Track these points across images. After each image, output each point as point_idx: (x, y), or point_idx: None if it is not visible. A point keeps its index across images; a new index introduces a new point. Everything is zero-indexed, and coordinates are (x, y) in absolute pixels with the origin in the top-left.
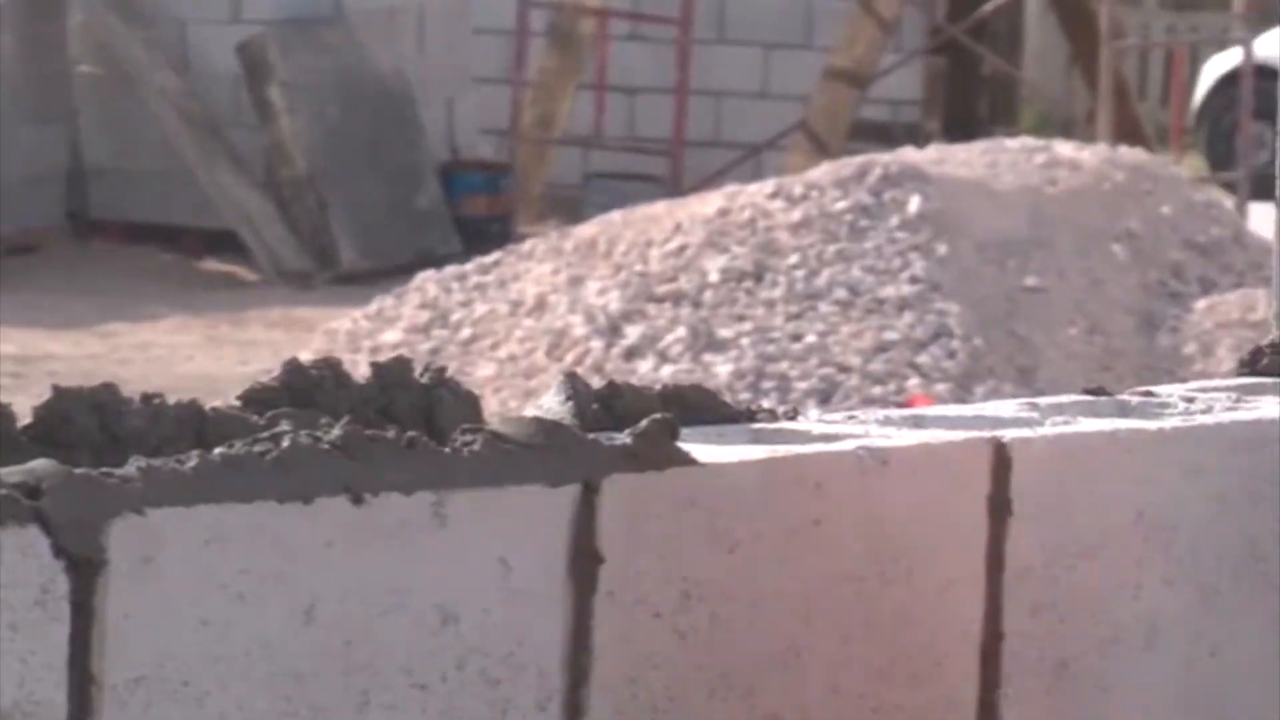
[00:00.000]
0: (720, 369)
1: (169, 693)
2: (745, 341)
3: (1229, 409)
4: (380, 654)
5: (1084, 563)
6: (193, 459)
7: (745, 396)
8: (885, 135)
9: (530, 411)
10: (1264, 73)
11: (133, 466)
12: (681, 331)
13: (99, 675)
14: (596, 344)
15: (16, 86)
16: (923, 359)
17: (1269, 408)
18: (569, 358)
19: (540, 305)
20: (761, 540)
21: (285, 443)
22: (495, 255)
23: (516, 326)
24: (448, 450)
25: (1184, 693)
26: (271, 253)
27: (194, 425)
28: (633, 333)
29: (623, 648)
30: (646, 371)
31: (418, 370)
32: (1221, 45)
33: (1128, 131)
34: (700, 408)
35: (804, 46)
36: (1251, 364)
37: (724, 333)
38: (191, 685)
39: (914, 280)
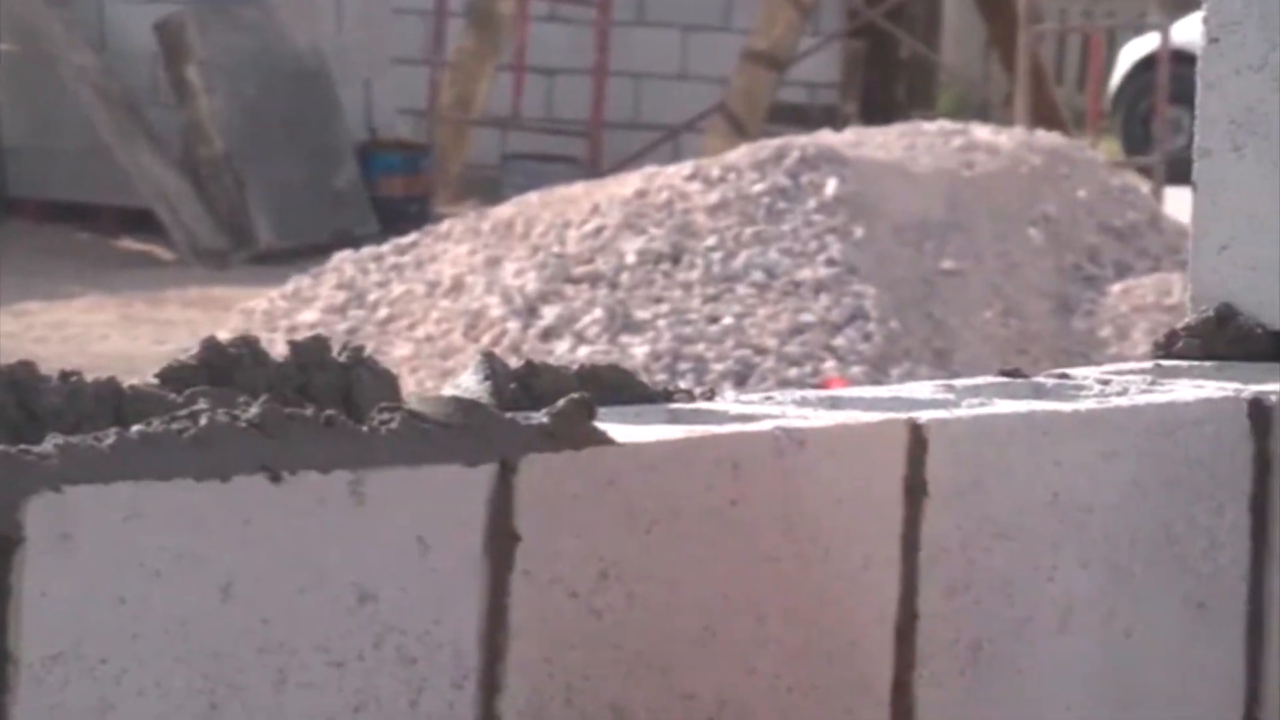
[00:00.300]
0: (637, 350)
1: (86, 670)
2: (662, 323)
3: (1144, 392)
4: (297, 632)
5: (999, 544)
6: (110, 436)
7: (661, 378)
8: (803, 118)
9: (448, 391)
10: (1180, 57)
11: (50, 444)
12: (598, 313)
13: (15, 653)
14: (513, 325)
15: None
16: (839, 341)
17: (1183, 391)
18: (486, 338)
19: (457, 286)
20: (679, 520)
21: (203, 421)
22: (412, 236)
23: (433, 307)
24: (365, 429)
25: (1098, 673)
26: (188, 232)
27: (112, 403)
28: (549, 314)
29: (539, 627)
30: (563, 352)
31: (335, 349)
32: (1138, 30)
33: (1044, 115)
34: (617, 388)
35: (723, 29)
36: (1166, 347)
37: (641, 314)
38: (109, 663)
39: (830, 263)
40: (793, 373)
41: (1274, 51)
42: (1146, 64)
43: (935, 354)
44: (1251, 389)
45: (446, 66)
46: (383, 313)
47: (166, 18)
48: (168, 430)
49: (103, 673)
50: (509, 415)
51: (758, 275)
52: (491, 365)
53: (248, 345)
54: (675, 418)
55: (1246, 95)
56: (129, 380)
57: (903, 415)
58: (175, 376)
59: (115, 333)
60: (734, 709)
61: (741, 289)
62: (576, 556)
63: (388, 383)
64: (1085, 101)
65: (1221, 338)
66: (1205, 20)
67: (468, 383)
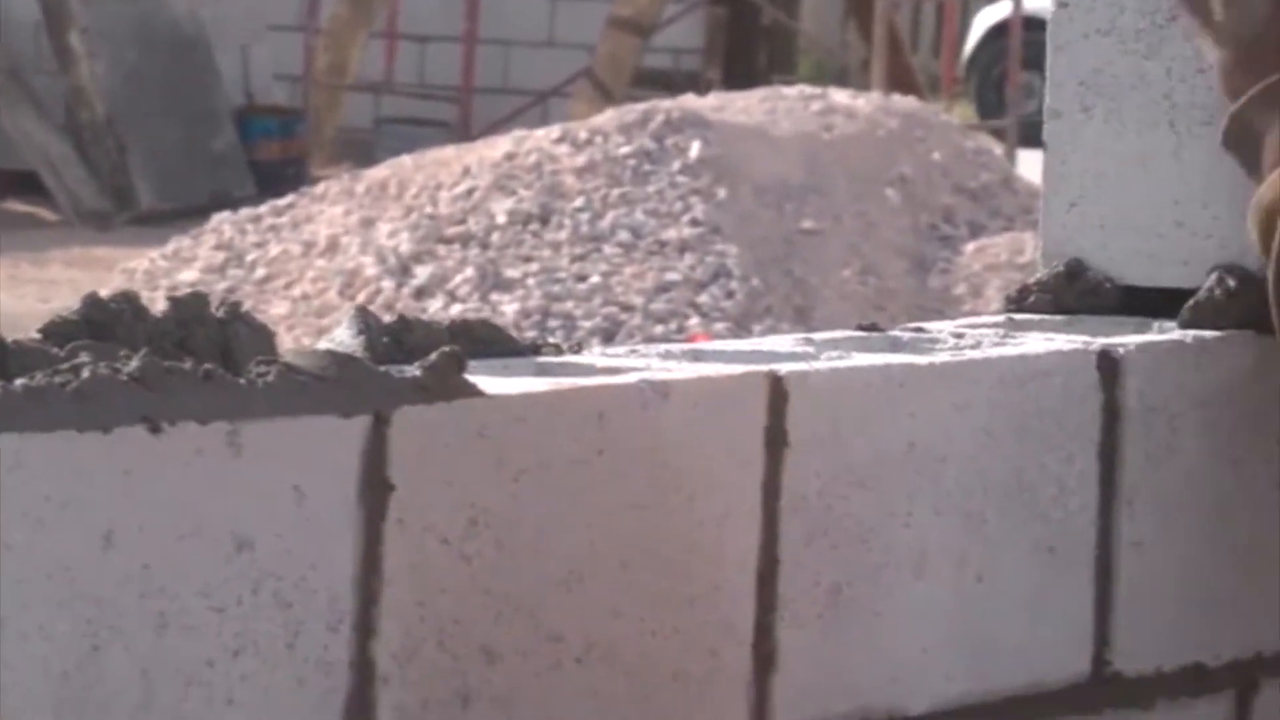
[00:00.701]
0: (507, 308)
1: None
2: (531, 282)
3: (996, 345)
4: (178, 578)
5: (857, 492)
6: None
7: (531, 334)
8: (667, 83)
9: (323, 345)
10: (1032, 24)
11: None
12: (470, 272)
13: None
14: (387, 284)
15: None
16: (703, 299)
17: (1034, 344)
18: (360, 297)
19: (332, 246)
20: (547, 470)
21: (85, 374)
22: (289, 198)
23: (309, 267)
24: (242, 382)
25: (951, 616)
26: (71, 194)
27: None
28: (422, 273)
29: (411, 572)
30: (436, 310)
31: (213, 306)
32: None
33: (901, 80)
34: (487, 342)
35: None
36: (1018, 302)
37: (511, 273)
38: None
39: (694, 223)
40: (658, 329)
41: (1121, 15)
42: (999, 30)
43: (796, 311)
44: (1100, 341)
45: (321, 33)
46: (260, 272)
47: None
48: (50, 383)
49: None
50: (382, 368)
51: (624, 235)
52: (365, 320)
53: (128, 301)
54: (543, 370)
55: (1094, 58)
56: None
57: (763, 368)
58: (58, 332)
59: (3, 292)
60: (600, 651)
61: (608, 249)
62: (448, 505)
63: (264, 337)
64: (940, 67)
65: (1071, 292)
66: None
67: (342, 337)
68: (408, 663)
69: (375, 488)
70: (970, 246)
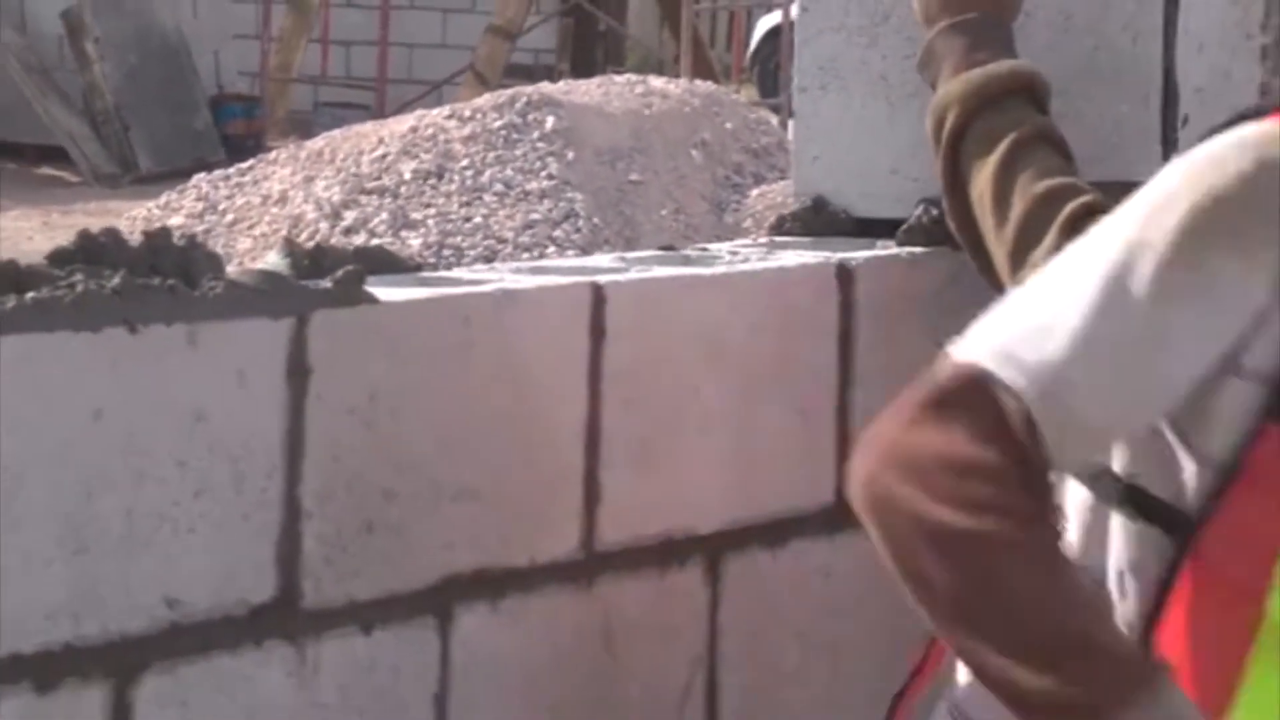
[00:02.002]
0: (413, 242)
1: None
2: (431, 222)
3: (761, 260)
4: (153, 443)
5: (658, 371)
6: (10, 301)
7: (432, 261)
8: (529, 74)
9: (258, 266)
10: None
11: None
12: (384, 215)
13: None
14: (324, 225)
15: None
16: (557, 234)
17: (790, 258)
18: (303, 235)
19: (282, 198)
20: (427, 357)
21: (79, 289)
22: (250, 162)
23: (266, 213)
24: (197, 293)
25: (729, 461)
26: (89, 162)
27: (12, 277)
28: (349, 216)
29: (327, 436)
30: (360, 244)
31: (176, 238)
32: (768, 7)
33: (702, 70)
34: (383, 263)
35: (471, 11)
36: (777, 229)
37: (415, 216)
38: (12, 466)
39: (550, 177)
40: (525, 257)
41: (848, 16)
42: (775, 32)
43: (626, 241)
44: (838, 256)
45: (273, 40)
46: (230, 218)
47: (69, 7)
48: (52, 296)
49: (3, 471)
50: (302, 283)
51: (498, 187)
52: (290, 247)
53: (112, 235)
54: (424, 283)
55: (829, 49)
56: None
57: (588, 279)
58: (59, 258)
59: (38, 235)
60: (469, 493)
61: (487, 197)
62: (353, 384)
63: (215, 261)
64: (731, 59)
65: (817, 222)
66: None
67: (273, 260)
68: (325, 502)
69: (298, 372)
70: (754, 192)
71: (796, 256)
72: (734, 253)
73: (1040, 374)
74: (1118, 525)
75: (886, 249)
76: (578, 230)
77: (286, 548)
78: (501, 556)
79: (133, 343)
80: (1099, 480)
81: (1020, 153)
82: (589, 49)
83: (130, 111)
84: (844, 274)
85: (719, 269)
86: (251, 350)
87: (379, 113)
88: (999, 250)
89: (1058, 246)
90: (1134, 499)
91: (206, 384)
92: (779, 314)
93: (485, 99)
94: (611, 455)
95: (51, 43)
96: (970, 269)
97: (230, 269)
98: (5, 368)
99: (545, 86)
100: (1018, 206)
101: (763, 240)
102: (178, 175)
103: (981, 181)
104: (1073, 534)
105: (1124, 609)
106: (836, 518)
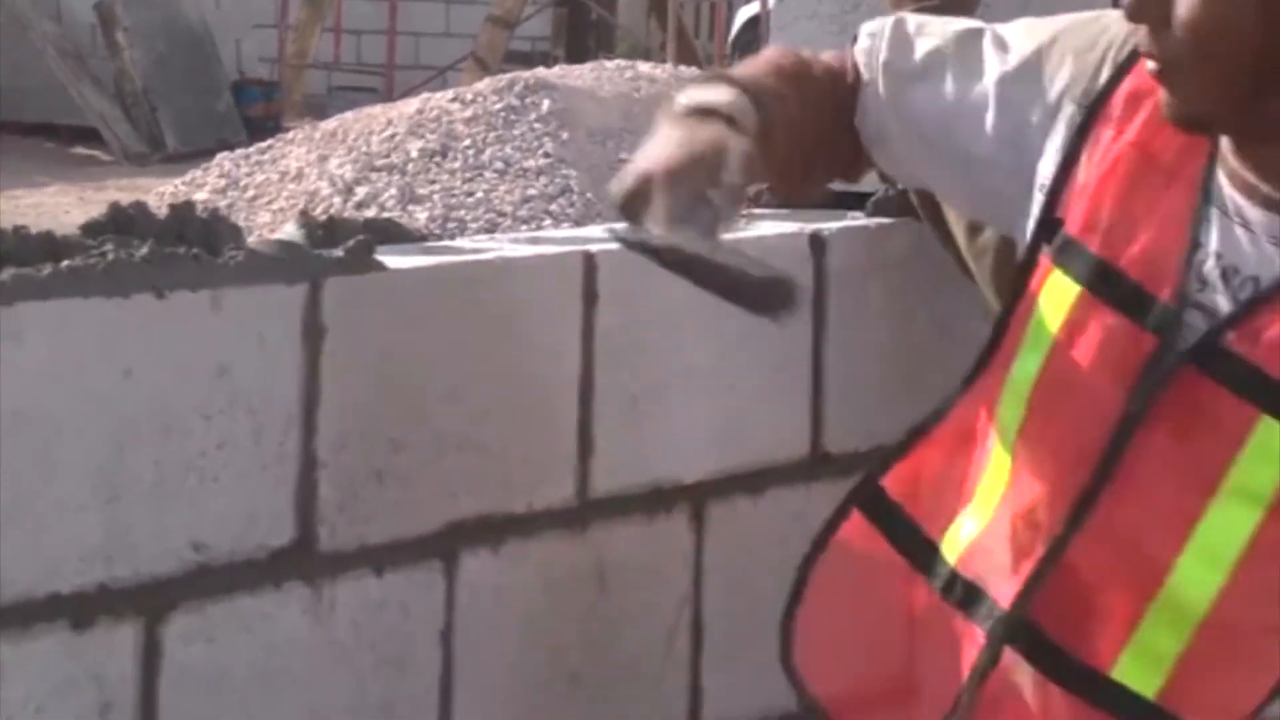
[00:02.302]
0: (420, 216)
1: (29, 422)
2: (436, 197)
3: (740, 230)
4: (179, 400)
5: (648, 331)
6: (47, 269)
7: (437, 233)
8: (527, 60)
9: (276, 236)
10: None
11: (6, 274)
12: (393, 190)
13: None
14: (337, 200)
15: None
16: (553, 207)
17: (767, 227)
18: (318, 209)
19: (299, 175)
20: (431, 319)
21: (110, 257)
22: (269, 142)
23: (284, 189)
24: (220, 261)
25: (713, 414)
26: (120, 142)
27: (49, 247)
28: (361, 192)
29: (340, 391)
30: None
31: (199, 210)
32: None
33: (686, 56)
34: (392, 234)
35: (472, 2)
36: (756, 202)
37: (421, 191)
38: (47, 421)
39: (546, 156)
40: (523, 228)
41: (820, 5)
42: (754, 21)
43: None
44: (812, 226)
45: (290, 29)
46: (250, 194)
47: (104, 7)
48: (86, 264)
49: (42, 426)
50: (317, 252)
51: (499, 164)
52: (306, 219)
53: (140, 208)
54: (429, 252)
55: (803, 35)
56: None
57: (581, 248)
58: (92, 229)
59: (74, 210)
60: (472, 445)
61: (488, 174)
62: (364, 344)
63: (235, 231)
64: (714, 47)
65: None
66: None
67: (290, 231)
68: (338, 453)
69: (313, 333)
70: None
71: (774, 226)
72: None
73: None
74: None
75: (856, 220)
76: (572, 205)
77: (303, 495)
78: (502, 504)
79: (160, 307)
80: None
81: None
82: (582, 37)
83: (158, 95)
84: (817, 242)
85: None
86: (270, 313)
87: (387, 96)
88: (955, 219)
89: None
90: None
91: (229, 345)
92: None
93: (486, 83)
94: (603, 410)
95: (85, 31)
96: (930, 238)
97: (250, 239)
98: (43, 331)
99: (541, 71)
100: None
101: (742, 212)
102: (202, 154)
103: None
104: None
105: None
106: (812, 468)
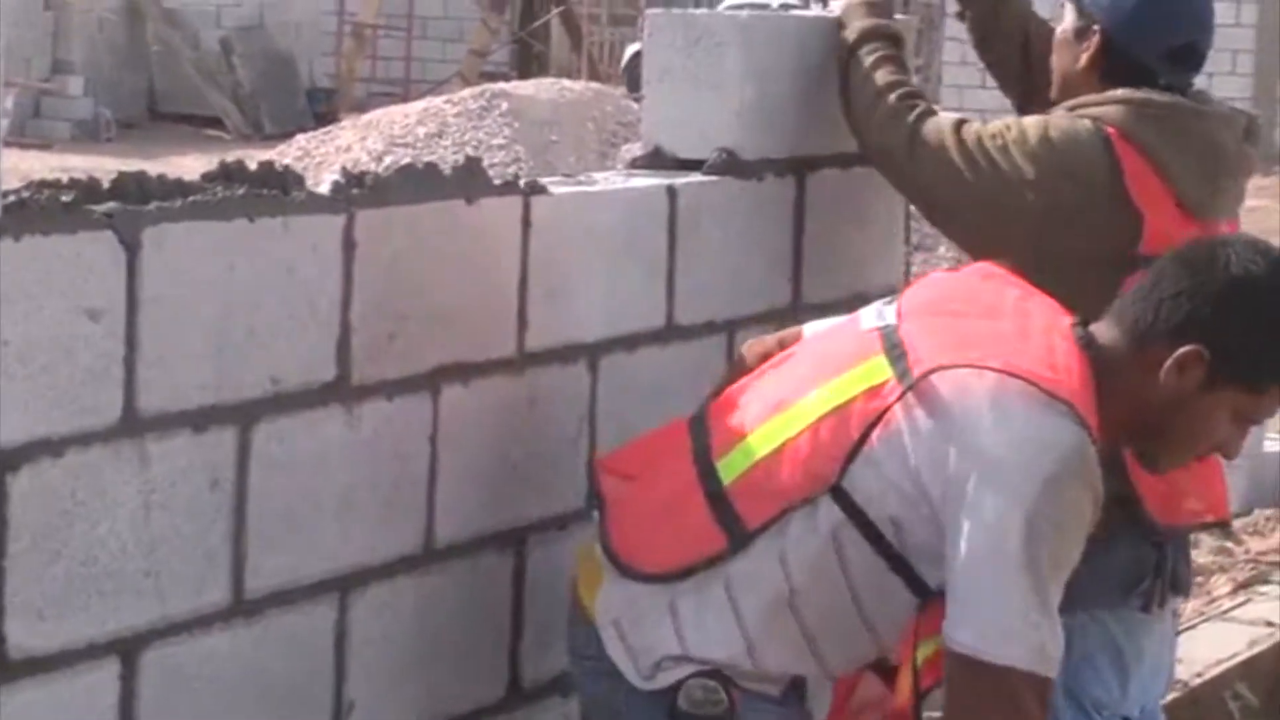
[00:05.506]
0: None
1: (164, 309)
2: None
3: (623, 183)
4: (263, 287)
5: (563, 247)
6: (178, 202)
7: None
8: (493, 78)
9: (325, 184)
10: None
11: (153, 205)
12: (407, 159)
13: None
14: (370, 165)
15: (117, 44)
16: (507, 172)
17: (639, 182)
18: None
19: (347, 148)
20: (426, 236)
21: (219, 195)
22: (328, 128)
23: (338, 159)
24: (289, 198)
25: (603, 302)
26: (235, 127)
27: (180, 188)
28: (386, 160)
29: (366, 282)
30: None
31: (278, 167)
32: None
33: (595, 76)
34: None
35: (459, 40)
36: (631, 165)
37: (424, 159)
38: (175, 304)
39: (504, 139)
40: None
41: (675, 41)
42: (638, 54)
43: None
44: (667, 181)
45: (342, 56)
46: (316, 160)
47: (224, 35)
48: (204, 200)
49: (174, 304)
50: (353, 192)
51: (474, 143)
52: (345, 173)
53: (238, 164)
54: (422, 197)
55: (664, 60)
56: None
57: (520, 195)
58: (209, 177)
59: (202, 168)
60: (450, 317)
61: (468, 149)
62: (381, 252)
63: (300, 180)
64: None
65: (656, 161)
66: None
67: (333, 177)
68: (364, 322)
69: (349, 245)
70: (624, 147)
71: (644, 181)
72: (605, 178)
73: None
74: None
75: (697, 178)
76: (520, 169)
77: (341, 349)
78: (469, 355)
79: (251, 228)
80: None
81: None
82: (528, 63)
83: (259, 96)
84: (671, 192)
85: (595, 188)
86: (321, 232)
87: (404, 99)
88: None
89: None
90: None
91: (295, 253)
92: (633, 213)
93: (466, 92)
94: (533, 297)
95: (213, 54)
96: (741, 190)
97: (309, 186)
98: (175, 242)
99: (501, 85)
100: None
101: (624, 172)
102: (286, 135)
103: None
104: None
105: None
106: (667, 334)
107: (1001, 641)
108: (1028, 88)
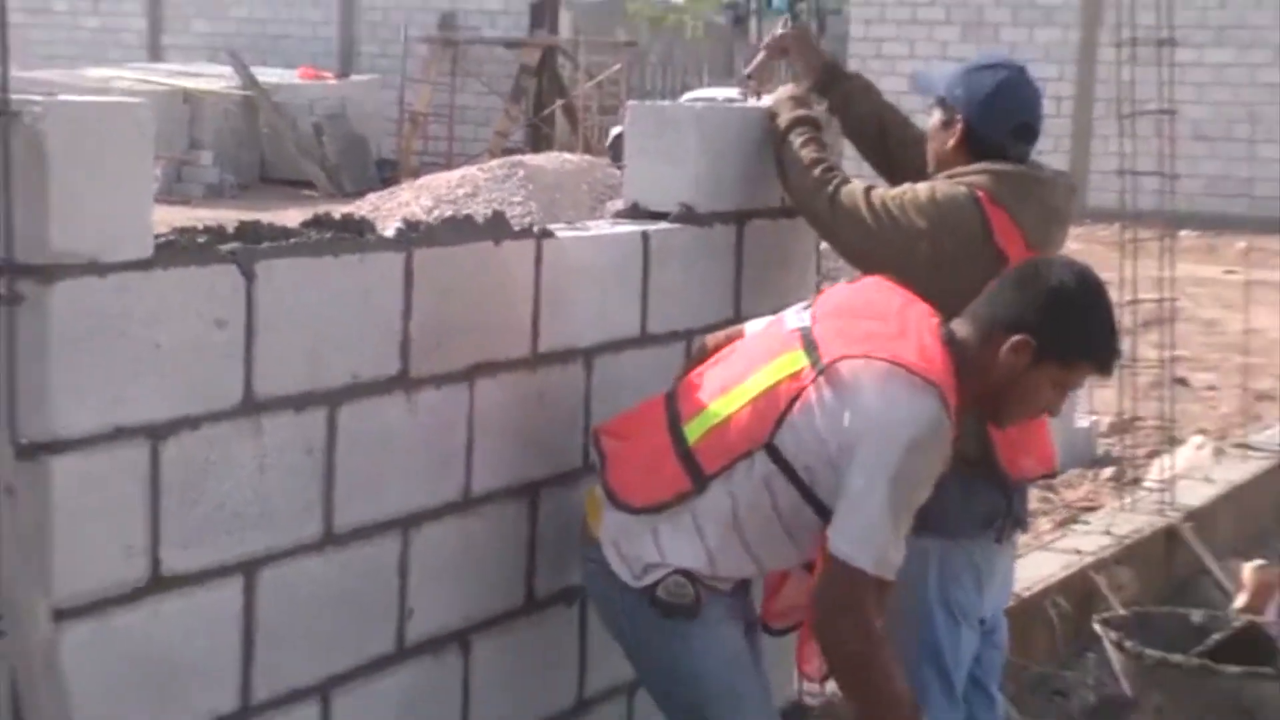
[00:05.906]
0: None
1: (272, 327)
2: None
3: (610, 229)
4: (344, 308)
5: (566, 274)
6: (282, 242)
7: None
8: (512, 152)
9: (390, 230)
10: None
11: (264, 245)
12: (449, 213)
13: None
14: (423, 216)
15: (238, 127)
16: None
17: (623, 229)
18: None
19: (406, 205)
20: (468, 269)
21: (312, 238)
22: (391, 189)
23: (398, 211)
24: (364, 240)
25: (595, 314)
26: (322, 188)
27: (283, 232)
28: (435, 214)
29: (422, 302)
30: None
31: (355, 218)
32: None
33: (589, 151)
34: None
35: (486, 125)
36: (616, 215)
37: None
38: (280, 321)
39: (521, 198)
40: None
41: (649, 126)
42: (620, 136)
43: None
44: (643, 228)
45: (402, 136)
46: (382, 213)
47: (316, 121)
48: (300, 240)
49: (280, 321)
50: (412, 234)
51: (499, 200)
52: (405, 222)
53: (327, 215)
54: (463, 239)
55: (642, 139)
56: None
57: (533, 238)
58: (305, 224)
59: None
60: (484, 325)
61: (495, 205)
62: (436, 280)
63: (372, 226)
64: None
65: (634, 214)
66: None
67: (397, 228)
68: (421, 333)
69: (408, 275)
70: (609, 204)
71: (625, 228)
72: (599, 227)
73: (881, 560)
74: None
75: (665, 226)
76: (533, 221)
77: (404, 350)
78: (496, 356)
79: (336, 262)
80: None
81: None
82: (539, 142)
83: (342, 166)
84: (645, 237)
85: (593, 233)
86: (388, 266)
87: (447, 168)
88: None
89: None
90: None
91: (368, 281)
92: (618, 252)
93: (493, 162)
94: (544, 312)
95: (308, 135)
96: (696, 235)
97: (379, 230)
98: (280, 274)
99: (519, 157)
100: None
101: (610, 221)
102: (361, 194)
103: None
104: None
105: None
106: (643, 341)
107: (860, 551)
108: (890, 164)
